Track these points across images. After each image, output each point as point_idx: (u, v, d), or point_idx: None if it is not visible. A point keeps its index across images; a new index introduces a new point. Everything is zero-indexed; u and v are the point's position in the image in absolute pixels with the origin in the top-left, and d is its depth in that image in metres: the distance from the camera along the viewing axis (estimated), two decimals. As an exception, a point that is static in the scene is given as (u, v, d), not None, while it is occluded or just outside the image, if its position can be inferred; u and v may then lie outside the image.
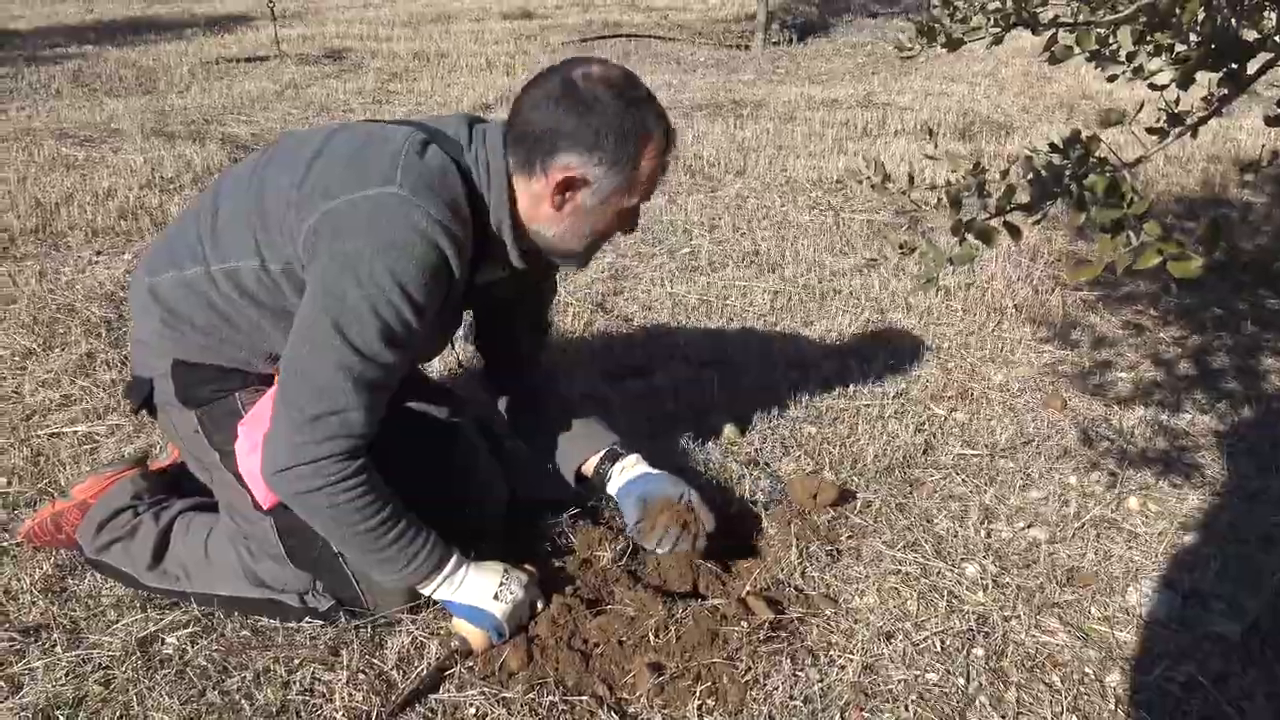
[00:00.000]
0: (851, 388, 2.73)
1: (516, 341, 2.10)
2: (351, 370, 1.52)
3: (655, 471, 1.99)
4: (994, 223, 1.09)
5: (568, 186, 1.61)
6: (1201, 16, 1.16)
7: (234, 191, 1.73)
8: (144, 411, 1.88)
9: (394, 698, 1.63)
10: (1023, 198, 1.12)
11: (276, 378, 1.67)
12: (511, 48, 8.94)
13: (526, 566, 1.80)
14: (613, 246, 3.75)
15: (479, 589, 1.72)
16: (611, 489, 2.00)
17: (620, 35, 9.44)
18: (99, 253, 3.69)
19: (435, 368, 2.79)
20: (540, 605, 1.78)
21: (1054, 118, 5.90)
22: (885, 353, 2.94)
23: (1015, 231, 1.10)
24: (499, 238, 1.69)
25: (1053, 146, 1.04)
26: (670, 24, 10.33)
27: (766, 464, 2.35)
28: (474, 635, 1.71)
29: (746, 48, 8.90)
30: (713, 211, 4.23)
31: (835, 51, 8.75)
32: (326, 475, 1.55)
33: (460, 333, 2.07)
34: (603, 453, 2.03)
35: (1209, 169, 4.74)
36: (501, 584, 1.73)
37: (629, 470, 1.99)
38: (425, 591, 1.74)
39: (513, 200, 1.65)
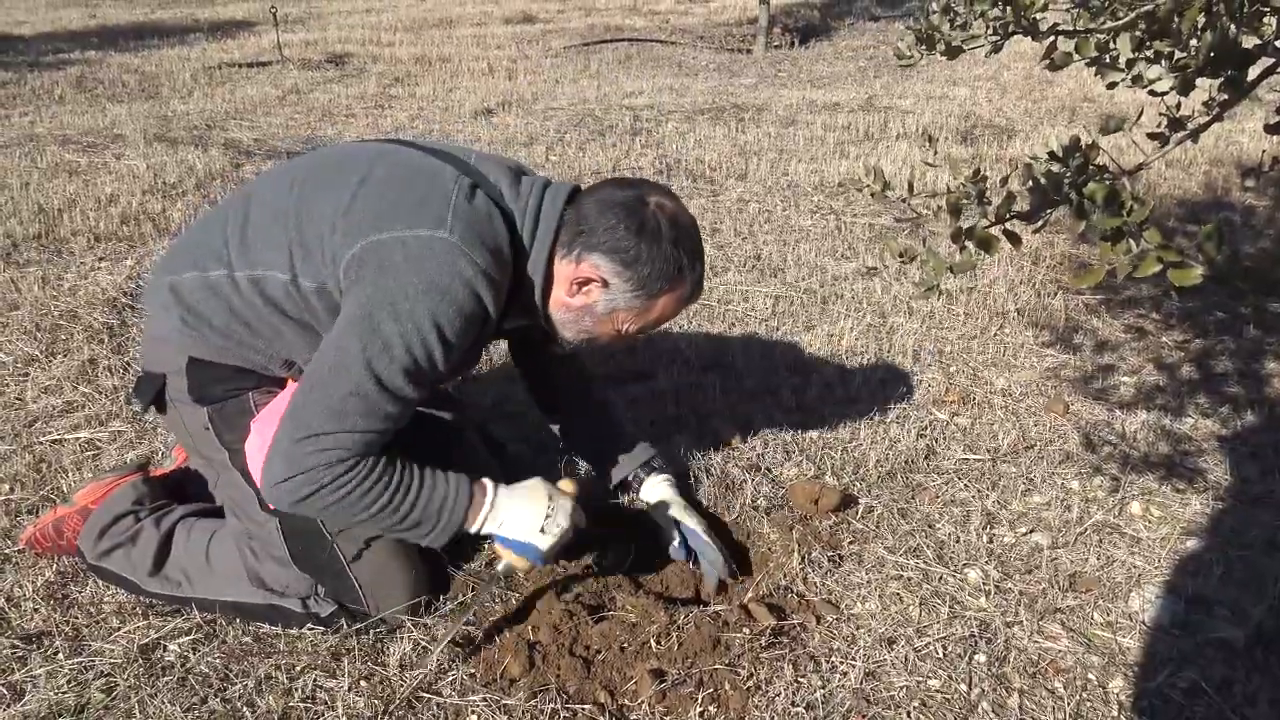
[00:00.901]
0: (853, 392, 2.73)
1: (549, 365, 2.15)
2: (367, 398, 1.54)
3: (687, 520, 2.00)
4: (994, 230, 1.09)
5: (588, 282, 1.69)
6: (1201, 22, 1.16)
7: (270, 202, 1.74)
8: (151, 409, 1.87)
9: (441, 635, 1.75)
10: (1022, 205, 1.11)
11: (291, 384, 1.73)
12: (513, 52, 8.95)
13: (565, 486, 1.77)
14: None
15: (524, 523, 1.68)
16: (645, 494, 2.09)
17: (622, 40, 9.45)
18: (101, 259, 3.70)
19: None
20: (582, 523, 1.76)
21: (1056, 121, 5.90)
22: (887, 357, 2.93)
23: (1015, 239, 1.10)
24: (530, 283, 1.73)
25: (1052, 155, 1.04)
26: (672, 28, 10.34)
27: (768, 469, 2.35)
28: (519, 562, 1.71)
29: (748, 51, 8.91)
30: (714, 216, 4.23)
31: (837, 55, 8.76)
32: (317, 482, 1.54)
33: None
34: (639, 466, 2.12)
35: (1211, 172, 4.73)
36: (547, 516, 1.69)
37: (661, 490, 2.07)
38: (471, 531, 1.69)
39: (549, 263, 1.72)
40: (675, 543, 1.96)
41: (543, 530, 1.68)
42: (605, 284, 1.68)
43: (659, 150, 5.31)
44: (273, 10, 9.58)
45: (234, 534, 1.86)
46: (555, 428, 2.21)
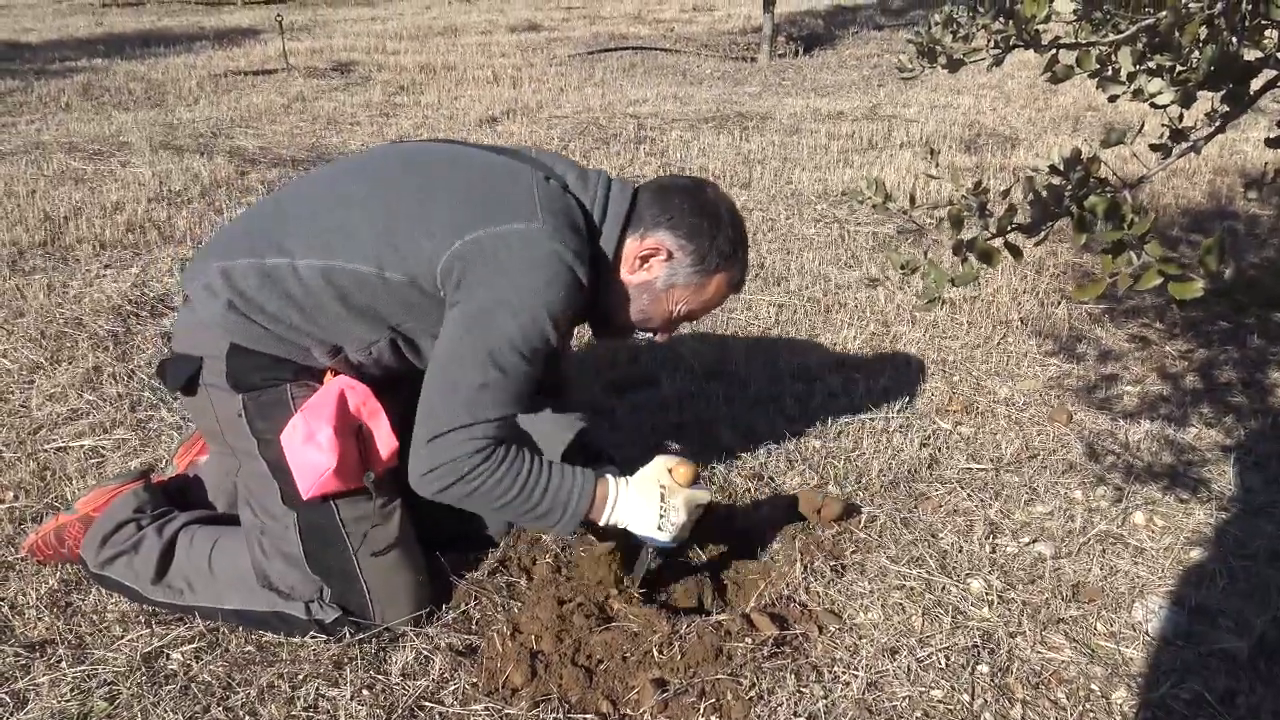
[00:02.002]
0: (856, 401, 2.73)
1: None
2: (495, 387, 1.66)
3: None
4: (995, 243, 1.10)
5: (651, 256, 1.80)
6: (1204, 34, 1.16)
7: (345, 197, 1.79)
8: (178, 393, 1.87)
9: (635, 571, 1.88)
10: (1024, 218, 1.12)
11: (330, 378, 1.79)
12: (518, 60, 8.97)
13: (680, 473, 1.80)
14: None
15: (643, 520, 1.79)
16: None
17: (627, 48, 9.47)
18: (107, 266, 3.71)
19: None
20: (699, 511, 1.85)
21: (1060, 130, 5.91)
22: (890, 366, 2.94)
23: (1016, 252, 1.11)
24: (602, 266, 1.80)
25: (1053, 168, 1.04)
26: (676, 36, 10.36)
27: (771, 478, 2.35)
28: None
29: (753, 60, 8.92)
30: (718, 224, 4.23)
31: (841, 64, 8.77)
32: (458, 472, 1.66)
33: None
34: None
35: (1215, 181, 4.73)
36: (662, 515, 1.78)
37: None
38: (600, 524, 1.81)
39: (619, 247, 1.81)
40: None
41: (659, 528, 1.79)
42: (670, 256, 1.79)
43: (663, 158, 5.32)
44: (278, 18, 9.62)
45: (246, 528, 1.86)
46: None
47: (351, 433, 1.76)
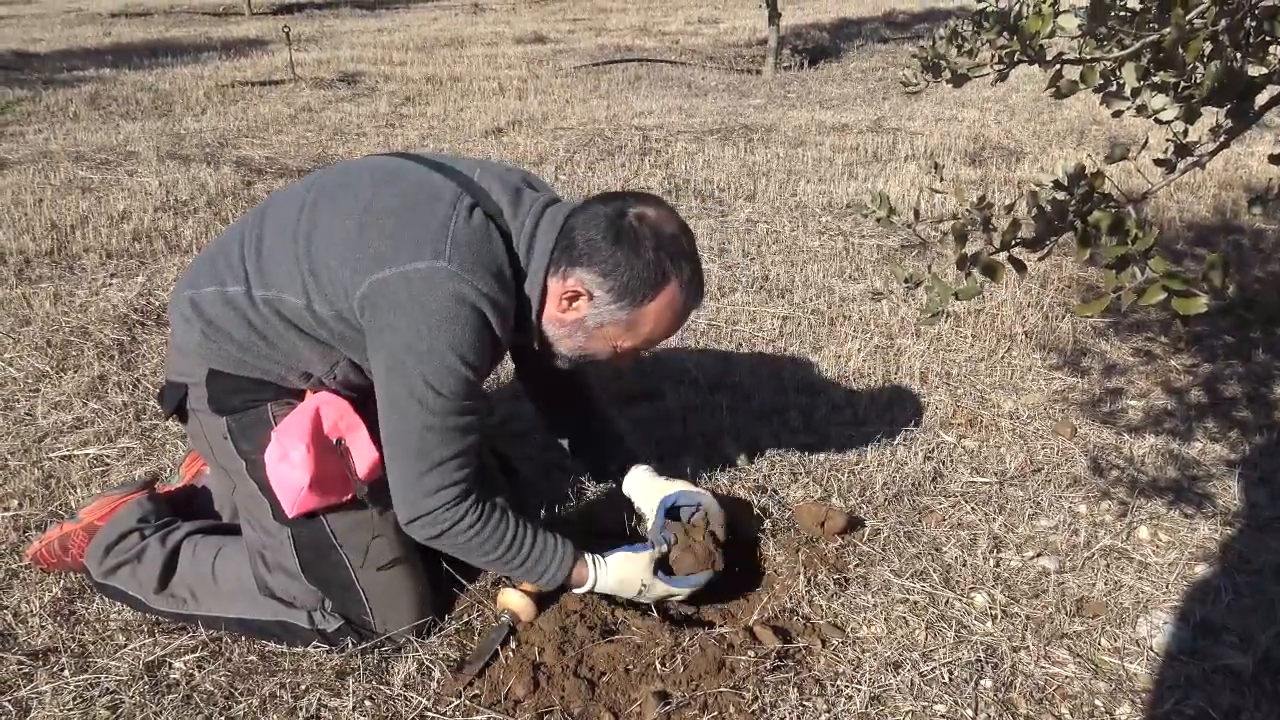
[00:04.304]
0: (860, 414, 2.72)
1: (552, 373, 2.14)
2: (435, 429, 1.64)
3: (670, 484, 2.03)
4: (999, 257, 1.10)
5: (576, 297, 1.72)
6: (1208, 50, 1.17)
7: (281, 226, 1.77)
8: (174, 417, 1.91)
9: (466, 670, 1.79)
10: (1028, 233, 1.12)
11: (310, 395, 1.80)
12: (524, 72, 9.00)
13: (658, 589, 1.85)
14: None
15: (625, 589, 1.84)
16: (627, 488, 2.09)
17: (632, 60, 9.50)
18: (113, 275, 3.72)
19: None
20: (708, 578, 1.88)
21: (1065, 143, 5.91)
22: (894, 379, 2.93)
23: (1020, 266, 1.11)
24: (528, 300, 1.76)
25: (1057, 184, 1.05)
26: (682, 48, 10.40)
27: (775, 491, 2.35)
28: (522, 610, 1.85)
29: (758, 72, 8.95)
30: (722, 236, 4.24)
31: (846, 76, 8.79)
32: (443, 522, 1.69)
33: None
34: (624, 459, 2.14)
35: (1220, 195, 4.73)
36: (641, 590, 1.84)
37: (642, 475, 2.08)
38: (578, 593, 1.86)
39: (545, 285, 1.74)
40: (651, 522, 1.99)
41: (639, 594, 1.85)
42: (590, 296, 1.70)
43: (668, 170, 5.33)
44: (285, 29, 9.66)
45: (247, 543, 1.88)
46: (545, 417, 2.27)
47: (330, 448, 1.76)
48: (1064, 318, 3.35)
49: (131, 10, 15.95)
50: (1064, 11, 1.33)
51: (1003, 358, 3.08)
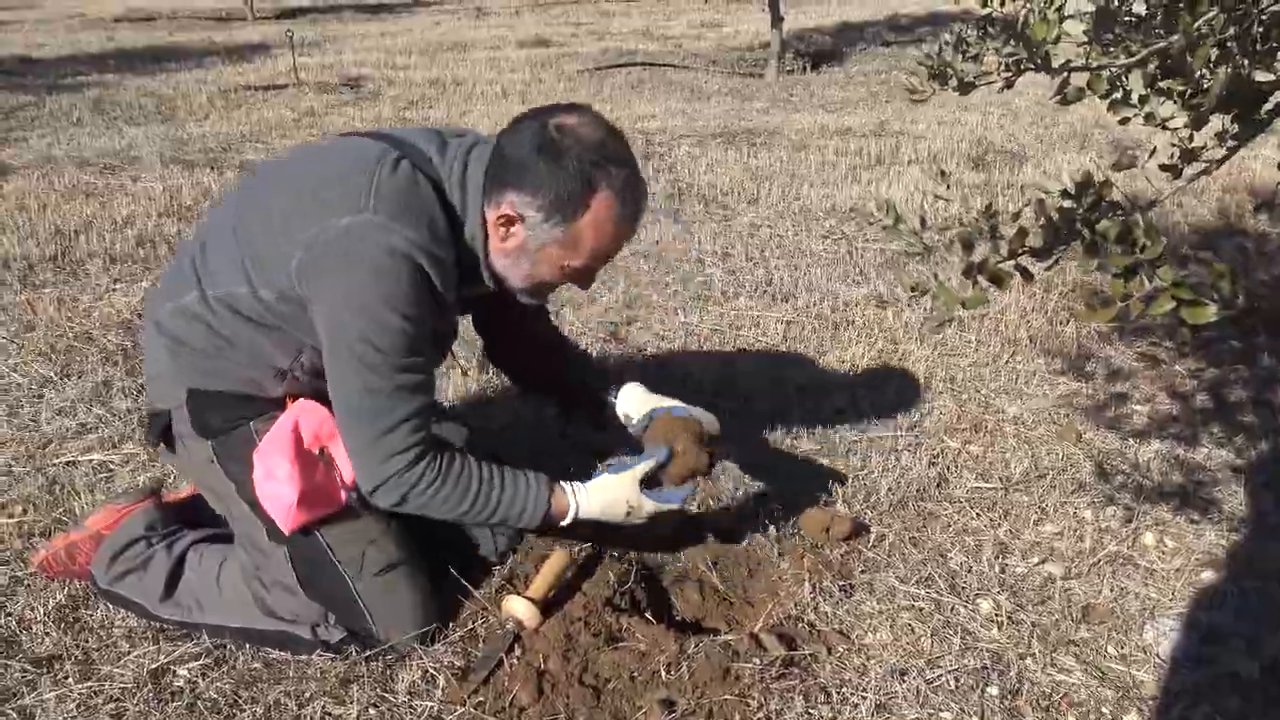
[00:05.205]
0: (864, 419, 2.72)
1: (518, 329, 2.14)
2: (382, 391, 1.61)
3: (663, 399, 2.05)
4: (1006, 265, 1.09)
5: (509, 223, 1.65)
6: (1215, 55, 1.16)
7: (220, 223, 1.78)
8: (162, 446, 1.90)
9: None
10: (1035, 241, 1.12)
11: (290, 406, 1.77)
12: (527, 76, 9.01)
13: (678, 465, 1.86)
14: (625, 275, 3.76)
15: (612, 513, 1.82)
16: (620, 406, 2.09)
17: (635, 64, 9.50)
18: (117, 280, 3.72)
19: (443, 392, 2.80)
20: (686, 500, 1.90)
21: (1068, 147, 5.90)
22: (898, 384, 2.93)
23: (1027, 274, 1.10)
24: (471, 244, 1.70)
25: (1064, 193, 1.04)
26: (685, 52, 10.40)
27: (779, 496, 2.34)
28: (528, 618, 1.82)
29: (760, 76, 8.95)
30: (726, 240, 4.24)
31: (849, 80, 8.78)
32: (403, 485, 1.66)
33: (473, 356, 2.14)
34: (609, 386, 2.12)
35: (1224, 199, 4.72)
36: (630, 512, 1.82)
37: (634, 391, 2.09)
38: (564, 525, 1.82)
39: (485, 220, 1.68)
40: (635, 420, 2.01)
41: (628, 514, 1.83)
42: (523, 219, 1.63)
43: (671, 174, 5.33)
44: (289, 34, 9.68)
45: (241, 566, 1.87)
46: (528, 386, 2.27)
47: (313, 460, 1.75)
48: (1068, 323, 3.35)
49: (134, 15, 15.99)
50: (1069, 17, 1.33)
51: (1007, 363, 3.08)
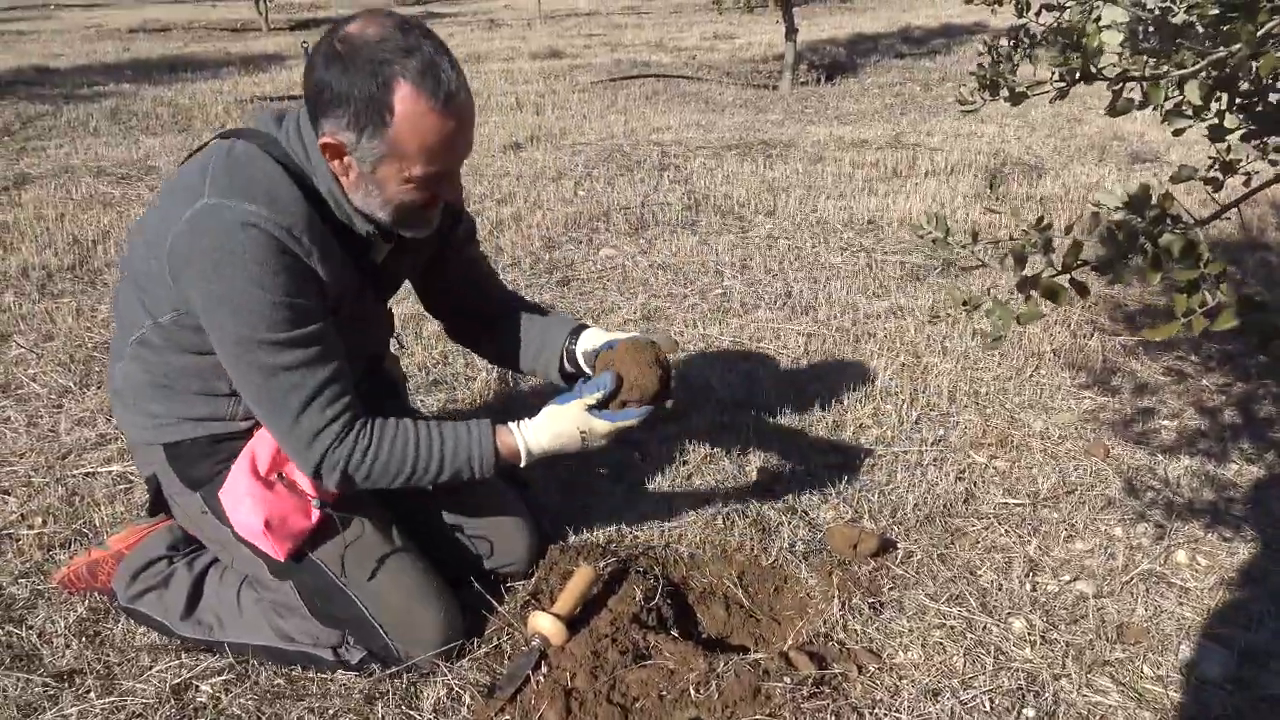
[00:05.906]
0: (888, 433, 2.69)
1: (465, 297, 2.07)
2: (279, 369, 1.57)
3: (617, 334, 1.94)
4: (1060, 279, 1.07)
5: (337, 154, 1.56)
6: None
7: (120, 273, 1.81)
8: (162, 512, 1.91)
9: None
10: (1090, 254, 1.09)
11: (253, 437, 1.78)
12: (541, 87, 9.01)
13: (599, 426, 1.75)
14: (644, 287, 3.74)
15: (565, 442, 1.76)
16: (579, 349, 1.96)
17: (649, 75, 9.51)
18: (135, 290, 3.71)
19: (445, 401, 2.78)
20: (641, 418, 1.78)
21: (1085, 159, 5.86)
22: (921, 398, 2.90)
23: (1083, 289, 1.08)
24: (339, 202, 1.63)
25: (1126, 204, 1.02)
26: (698, 64, 10.40)
27: (805, 512, 2.32)
28: (553, 634, 1.79)
29: (774, 88, 8.93)
30: (744, 252, 4.21)
31: (863, 92, 8.77)
32: (339, 462, 1.63)
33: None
34: (568, 333, 1.98)
35: (1246, 211, 4.68)
36: (584, 437, 1.76)
37: (593, 333, 1.97)
38: (522, 465, 1.76)
39: (333, 170, 1.61)
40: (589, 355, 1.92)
41: (584, 442, 1.76)
42: (344, 145, 1.53)
43: (687, 186, 5.31)
44: (304, 45, 9.68)
45: (256, 601, 1.87)
46: (488, 352, 2.19)
47: (272, 484, 1.74)
48: (1092, 336, 3.31)
49: (150, 26, 16.07)
50: (1107, 28, 1.31)
51: (1031, 376, 3.05)
